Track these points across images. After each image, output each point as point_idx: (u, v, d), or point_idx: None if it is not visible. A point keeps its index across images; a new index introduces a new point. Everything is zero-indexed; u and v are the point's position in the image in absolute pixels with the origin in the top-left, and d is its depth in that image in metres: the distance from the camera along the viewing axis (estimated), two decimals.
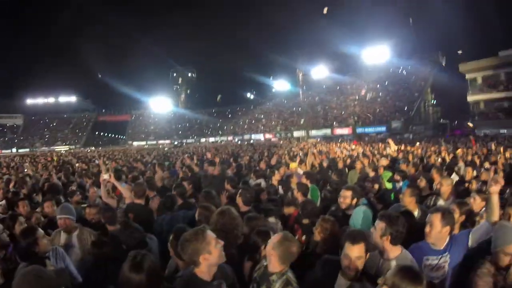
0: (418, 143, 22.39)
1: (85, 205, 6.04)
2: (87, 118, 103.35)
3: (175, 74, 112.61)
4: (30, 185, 8.35)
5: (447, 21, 50.68)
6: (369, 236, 3.26)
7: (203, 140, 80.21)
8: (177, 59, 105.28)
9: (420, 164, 9.94)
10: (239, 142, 58.93)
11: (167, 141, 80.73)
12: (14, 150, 76.70)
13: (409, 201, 4.89)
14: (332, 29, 69.99)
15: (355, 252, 2.91)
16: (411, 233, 3.52)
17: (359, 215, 4.25)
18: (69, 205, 4.85)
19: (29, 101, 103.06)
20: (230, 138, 75.19)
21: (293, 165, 9.87)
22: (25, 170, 13.47)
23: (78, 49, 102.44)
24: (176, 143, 63.91)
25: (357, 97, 66.89)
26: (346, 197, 4.94)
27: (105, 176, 6.17)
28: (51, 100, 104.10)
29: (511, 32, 44.35)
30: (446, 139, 30.27)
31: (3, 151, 72.41)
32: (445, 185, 5.62)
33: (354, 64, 73.01)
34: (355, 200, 4.96)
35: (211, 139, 79.12)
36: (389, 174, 7.82)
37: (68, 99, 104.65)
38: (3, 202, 6.63)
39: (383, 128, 51.92)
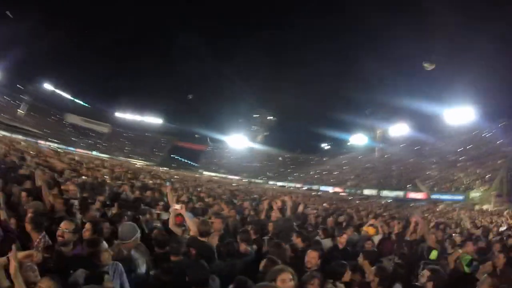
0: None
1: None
2: (166, 140, 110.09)
3: (255, 116, 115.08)
4: (107, 193, 8.56)
5: None
6: None
7: (271, 182, 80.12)
8: (260, 101, 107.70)
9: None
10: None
11: (236, 177, 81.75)
12: (95, 153, 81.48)
13: None
14: (415, 86, 68.11)
15: None
16: None
17: None
18: (134, 227, 4.90)
19: (118, 114, 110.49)
20: (298, 185, 74.54)
21: (370, 230, 9.22)
22: (105, 176, 13.89)
23: (171, 78, 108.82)
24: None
25: (435, 160, 63.81)
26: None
27: (177, 206, 6.16)
28: (137, 117, 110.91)
29: None
30: None
31: (87, 151, 77.15)
32: None
33: (435, 124, 69.65)
34: None
35: (279, 183, 78.86)
36: (468, 257, 6.56)
37: (153, 120, 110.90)
38: (77, 202, 6.81)
39: (461, 197, 47.89)
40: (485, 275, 4.61)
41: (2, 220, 5.06)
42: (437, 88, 65.42)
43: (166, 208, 8.21)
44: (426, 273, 4.58)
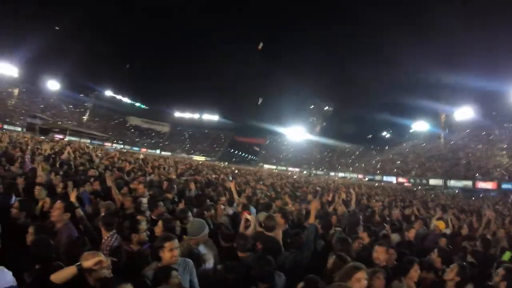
0: None
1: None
2: (225, 135, 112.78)
3: (312, 106, 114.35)
4: (174, 191, 8.75)
5: None
6: None
7: (332, 174, 79.27)
8: (316, 92, 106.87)
9: None
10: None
11: (297, 169, 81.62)
12: (158, 151, 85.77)
13: None
14: (481, 66, 64.49)
15: None
16: None
17: None
18: (202, 223, 4.96)
19: (177, 114, 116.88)
20: (360, 176, 73.23)
21: (440, 224, 8.85)
22: (169, 174, 14.20)
23: (224, 74, 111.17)
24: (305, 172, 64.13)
25: (505, 146, 60.10)
26: None
27: (248, 216, 6.13)
28: (196, 115, 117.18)
29: None
30: None
31: (149, 150, 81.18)
32: None
33: (502, 107, 65.30)
34: None
35: (341, 174, 77.90)
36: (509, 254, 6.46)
37: (211, 117, 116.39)
38: (145, 200, 7.04)
39: None
40: None
41: (79, 218, 5.34)
42: (504, 66, 61.46)
43: (230, 203, 8.30)
44: (501, 271, 4.34)
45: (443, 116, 77.91)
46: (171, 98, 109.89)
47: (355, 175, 74.82)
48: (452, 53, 71.45)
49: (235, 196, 8.54)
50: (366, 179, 68.96)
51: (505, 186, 47.56)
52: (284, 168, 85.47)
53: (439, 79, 73.32)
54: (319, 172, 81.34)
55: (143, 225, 4.99)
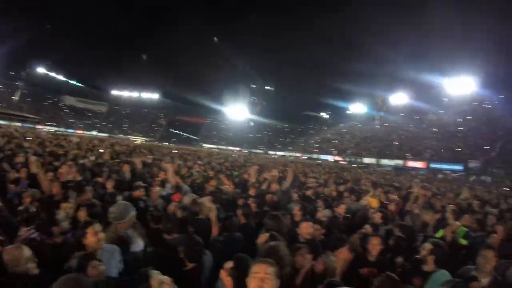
0: None
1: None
2: (165, 115, 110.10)
3: (253, 86, 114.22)
4: (106, 174, 8.49)
5: None
6: None
7: (271, 152, 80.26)
8: (257, 71, 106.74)
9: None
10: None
11: (237, 148, 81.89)
12: (94, 133, 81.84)
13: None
14: (416, 55, 67.60)
15: None
16: None
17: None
18: (128, 206, 4.83)
19: (115, 92, 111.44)
20: (299, 154, 74.70)
21: (373, 201, 9.11)
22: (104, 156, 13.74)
23: (167, 51, 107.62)
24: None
25: (435, 130, 64.01)
26: None
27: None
28: (135, 94, 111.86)
29: None
30: None
31: (85, 132, 77.37)
32: None
33: (435, 94, 69.62)
34: None
35: (280, 153, 79.06)
36: (464, 229, 6.48)
37: (150, 95, 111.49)
38: None
39: (460, 167, 48.46)
40: (485, 248, 4.53)
41: None
42: (438, 57, 64.99)
43: (164, 184, 8.19)
44: (428, 246, 4.49)
45: (379, 100, 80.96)
46: (108, 75, 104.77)
47: (294, 154, 76.19)
48: (390, 42, 73.54)
49: (170, 177, 8.40)
50: (305, 157, 70.41)
51: (433, 165, 50.96)
52: (224, 147, 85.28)
53: (377, 65, 75.73)
54: (258, 151, 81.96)
55: (62, 214, 4.79)
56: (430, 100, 69.77)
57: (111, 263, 3.80)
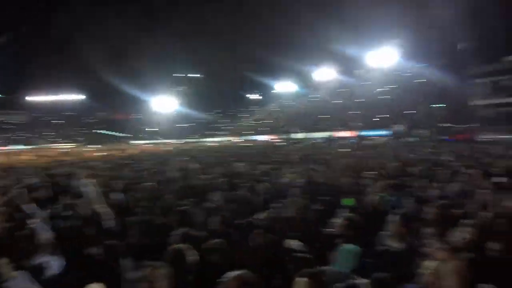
0: None
1: None
2: (90, 116, 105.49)
3: (178, 75, 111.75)
4: None
5: (454, 26, 49.94)
6: None
7: (206, 140, 79.61)
8: (181, 60, 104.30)
9: None
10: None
11: (170, 140, 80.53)
12: (20, 147, 75.14)
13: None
14: (338, 29, 69.30)
15: None
16: None
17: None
18: None
19: (35, 98, 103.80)
20: (233, 138, 74.78)
21: (292, 176, 9.32)
22: None
23: (81, 49, 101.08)
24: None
25: (362, 100, 66.66)
26: None
27: None
28: (56, 98, 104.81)
29: None
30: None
31: (10, 147, 71.86)
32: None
33: (360, 66, 72.40)
34: None
35: (215, 139, 78.68)
36: (383, 194, 6.54)
37: (73, 97, 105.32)
38: None
39: (387, 132, 51.70)
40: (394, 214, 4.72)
41: None
42: (361, 31, 66.83)
43: None
44: (343, 222, 4.59)
45: (305, 76, 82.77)
46: (24, 80, 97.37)
47: (228, 138, 76.14)
48: (313, 17, 74.46)
49: None
50: (241, 139, 70.69)
51: (362, 133, 54.37)
52: (156, 141, 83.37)
53: (302, 41, 76.77)
54: (192, 140, 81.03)
55: None
56: (355, 73, 72.62)
57: None
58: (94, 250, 4.38)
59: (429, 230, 4.57)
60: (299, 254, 3.76)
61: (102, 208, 5.86)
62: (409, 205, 6.16)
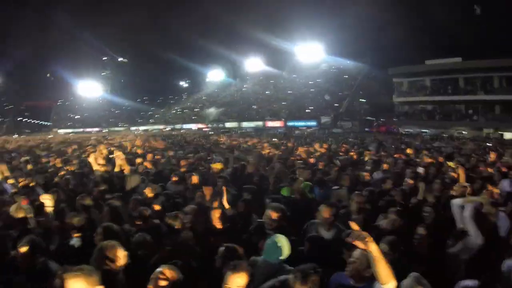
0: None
1: None
2: (10, 103, 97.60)
3: (104, 59, 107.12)
4: None
5: (380, 26, 52.20)
6: None
7: (133, 128, 77.46)
8: (107, 44, 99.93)
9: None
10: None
11: (96, 129, 77.72)
12: None
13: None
14: (268, 22, 70.00)
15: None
16: None
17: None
18: None
19: None
20: (161, 127, 73.44)
21: (217, 165, 9.31)
22: None
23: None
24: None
25: (289, 92, 68.00)
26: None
27: None
28: None
29: (438, 43, 46.59)
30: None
31: None
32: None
33: (289, 59, 73.60)
34: None
35: (142, 128, 76.75)
36: (309, 184, 6.82)
37: None
38: None
39: (314, 123, 53.57)
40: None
41: None
42: (290, 25, 67.90)
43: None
44: (272, 214, 4.54)
45: (235, 66, 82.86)
46: None
47: (157, 127, 74.66)
48: (244, 8, 74.26)
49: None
50: (169, 128, 69.60)
51: (289, 123, 55.90)
52: (80, 130, 79.86)
53: (235, 31, 76.42)
54: (119, 128, 78.65)
55: None
56: (283, 66, 73.87)
57: None
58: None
59: (355, 218, 4.65)
60: (229, 245, 3.67)
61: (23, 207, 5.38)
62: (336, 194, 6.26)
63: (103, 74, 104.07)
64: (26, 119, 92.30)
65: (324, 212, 4.53)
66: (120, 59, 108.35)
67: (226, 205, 5.30)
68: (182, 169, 9.30)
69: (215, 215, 4.70)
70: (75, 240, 4.47)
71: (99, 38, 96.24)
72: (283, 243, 3.57)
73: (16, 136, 59.96)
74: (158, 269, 2.93)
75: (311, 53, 67.88)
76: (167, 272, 2.90)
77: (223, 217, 4.72)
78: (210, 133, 47.64)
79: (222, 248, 3.66)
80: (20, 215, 5.13)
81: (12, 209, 5.47)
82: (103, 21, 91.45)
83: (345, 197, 6.08)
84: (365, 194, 5.64)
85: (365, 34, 56.47)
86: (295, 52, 70.60)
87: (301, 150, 13.70)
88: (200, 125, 67.53)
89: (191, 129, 65.38)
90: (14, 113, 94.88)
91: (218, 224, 4.65)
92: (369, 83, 56.30)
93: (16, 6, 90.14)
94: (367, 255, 2.71)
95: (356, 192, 5.60)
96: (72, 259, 3.91)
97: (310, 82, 68.50)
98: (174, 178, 7.90)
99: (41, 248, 3.87)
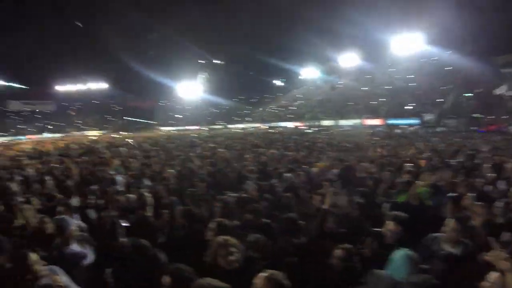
0: None
1: None
2: (117, 104, 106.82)
3: (202, 62, 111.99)
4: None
5: (483, 12, 47.89)
6: None
7: (231, 126, 79.82)
8: (204, 47, 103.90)
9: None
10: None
11: (196, 127, 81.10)
12: (46, 135, 77.29)
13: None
14: (362, 15, 67.64)
15: None
16: None
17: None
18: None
19: (61, 88, 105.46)
20: (258, 125, 74.64)
21: (320, 165, 9.10)
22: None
23: (105, 37, 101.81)
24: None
25: (388, 87, 65.02)
26: None
27: None
28: (82, 87, 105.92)
29: None
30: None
31: (37, 136, 73.45)
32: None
33: (385, 52, 70.51)
34: None
35: (240, 126, 78.73)
36: (426, 190, 6.20)
37: (99, 86, 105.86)
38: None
39: (416, 121, 49.25)
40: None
41: None
42: (385, 16, 64.89)
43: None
44: (394, 227, 4.26)
45: (330, 62, 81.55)
46: (51, 72, 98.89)
47: (253, 125, 76.03)
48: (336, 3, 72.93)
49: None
50: (266, 126, 70.54)
51: (390, 121, 51.85)
52: (182, 128, 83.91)
53: (327, 27, 75.38)
54: (217, 126, 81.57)
55: None
56: (379, 59, 70.80)
57: None
58: (126, 242, 4.26)
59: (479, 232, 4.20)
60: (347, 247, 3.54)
61: (137, 196, 5.69)
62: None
63: (201, 76, 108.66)
64: (132, 118, 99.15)
65: (453, 227, 4.10)
66: (216, 61, 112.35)
67: (335, 207, 5.13)
68: (281, 167, 9.29)
69: (328, 218, 4.56)
70: (181, 233, 4.61)
71: (195, 43, 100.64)
72: (408, 258, 3.33)
73: (123, 133, 64.63)
74: (263, 274, 2.82)
75: (409, 44, 64.34)
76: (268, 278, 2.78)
77: (336, 220, 4.58)
78: (307, 131, 47.41)
79: (339, 251, 3.52)
80: (133, 206, 5.43)
81: (125, 199, 5.82)
82: (198, 27, 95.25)
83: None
84: (498, 205, 5.10)
85: (469, 20, 52.09)
86: (391, 44, 67.55)
87: (410, 151, 12.87)
88: (296, 123, 67.54)
89: (286, 127, 65.67)
90: (122, 113, 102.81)
91: (331, 227, 4.51)
92: (474, 75, 51.90)
93: (118, 19, 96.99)
94: (505, 278, 2.40)
95: (480, 202, 5.08)
96: (177, 252, 4.06)
97: (409, 76, 64.58)
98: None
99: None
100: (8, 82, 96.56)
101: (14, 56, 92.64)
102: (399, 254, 3.42)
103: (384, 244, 4.04)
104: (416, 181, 6.06)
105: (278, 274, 2.83)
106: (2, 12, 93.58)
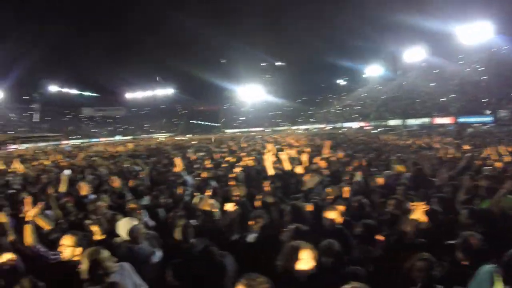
0: None
1: None
2: (182, 108, 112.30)
3: (264, 64, 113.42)
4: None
5: None
6: None
7: (294, 127, 79.73)
8: (266, 49, 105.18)
9: None
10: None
11: (259, 129, 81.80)
12: (118, 137, 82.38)
13: None
14: (426, 4, 64.46)
15: None
16: None
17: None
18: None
19: (129, 94, 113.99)
20: (322, 126, 73.97)
21: (400, 167, 8.63)
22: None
23: (171, 44, 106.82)
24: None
25: (457, 82, 61.02)
26: None
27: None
28: (149, 93, 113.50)
29: None
30: None
31: (109, 139, 77.94)
32: None
33: (452, 44, 66.15)
34: None
35: (304, 127, 78.49)
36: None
37: (165, 91, 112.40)
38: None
39: (489, 118, 45.21)
40: None
41: None
42: (450, 5, 61.65)
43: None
44: (470, 235, 3.83)
45: (394, 59, 79.04)
46: (120, 79, 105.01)
47: (317, 126, 75.43)
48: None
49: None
50: (330, 127, 69.76)
51: (461, 119, 48.05)
52: (246, 130, 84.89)
53: (388, 22, 73.39)
54: (281, 128, 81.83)
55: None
56: (446, 52, 66.75)
57: (126, 282, 3.50)
58: (196, 243, 4.26)
59: None
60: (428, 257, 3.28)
61: (206, 198, 5.69)
62: None
63: (263, 78, 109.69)
64: (198, 121, 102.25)
65: None
66: (278, 63, 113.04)
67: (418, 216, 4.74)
68: (349, 169, 9.06)
69: (407, 226, 4.25)
70: (251, 236, 4.52)
71: (257, 46, 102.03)
72: (493, 274, 3.02)
73: (189, 135, 66.48)
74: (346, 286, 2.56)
75: (477, 33, 60.16)
76: None
77: (417, 228, 4.26)
78: (373, 131, 46.12)
79: (421, 262, 3.27)
80: (205, 207, 5.40)
81: (196, 200, 5.83)
82: (259, 30, 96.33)
83: None
84: None
85: None
86: (458, 35, 63.59)
87: (490, 152, 11.54)
88: (361, 123, 66.08)
89: (351, 127, 64.43)
90: (188, 117, 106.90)
91: (411, 236, 4.21)
92: None
93: (182, 29, 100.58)
94: None
95: None
96: (247, 255, 3.97)
97: (480, 69, 60.11)
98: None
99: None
100: (81, 91, 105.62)
101: (87, 67, 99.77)
102: (485, 270, 3.10)
103: (466, 257, 3.68)
104: (500, 187, 5.47)
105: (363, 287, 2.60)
106: (79, 30, 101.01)
